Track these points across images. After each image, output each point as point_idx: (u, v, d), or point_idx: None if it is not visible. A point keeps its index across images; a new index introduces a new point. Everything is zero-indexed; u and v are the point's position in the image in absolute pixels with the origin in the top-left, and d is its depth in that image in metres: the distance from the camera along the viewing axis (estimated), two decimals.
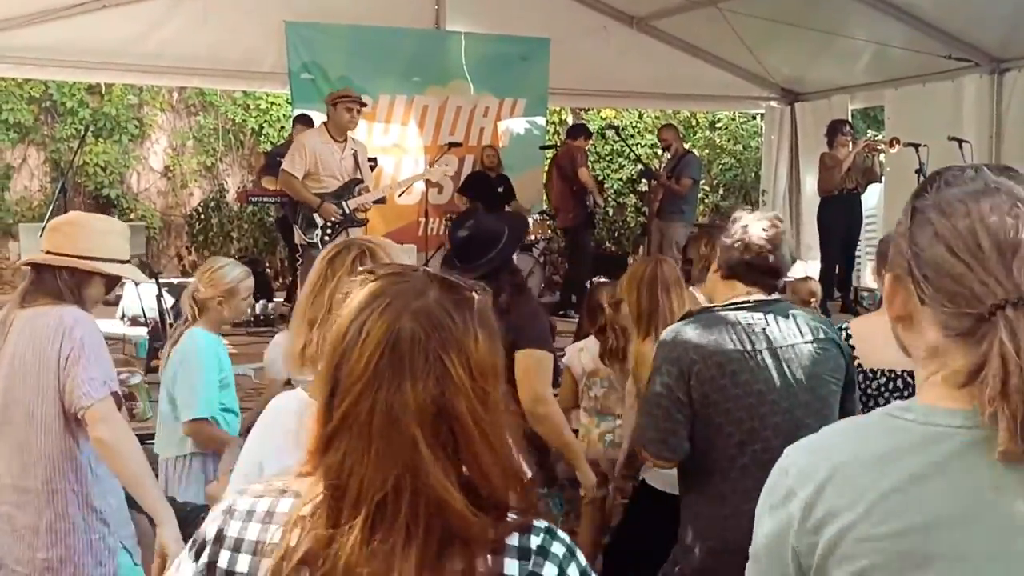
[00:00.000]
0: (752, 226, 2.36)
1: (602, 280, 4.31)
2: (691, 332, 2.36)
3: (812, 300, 4.56)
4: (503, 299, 2.73)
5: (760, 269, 2.36)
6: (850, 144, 7.78)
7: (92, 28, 7.39)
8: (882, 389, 2.71)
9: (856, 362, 2.69)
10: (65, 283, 2.45)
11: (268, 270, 8.32)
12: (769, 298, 2.38)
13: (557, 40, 8.65)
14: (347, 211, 6.08)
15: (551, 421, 2.87)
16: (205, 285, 3.18)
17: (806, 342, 2.33)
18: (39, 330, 2.37)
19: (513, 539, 1.07)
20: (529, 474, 1.11)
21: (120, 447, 2.33)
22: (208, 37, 7.73)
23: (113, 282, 2.63)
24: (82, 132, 8.20)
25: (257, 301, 7.00)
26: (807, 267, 4.40)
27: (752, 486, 2.24)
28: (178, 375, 3.15)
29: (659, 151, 12.90)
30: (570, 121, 12.80)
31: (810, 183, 9.86)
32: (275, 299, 7.33)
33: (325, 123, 6.21)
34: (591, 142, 9.55)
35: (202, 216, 10.93)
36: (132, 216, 10.42)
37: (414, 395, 1.03)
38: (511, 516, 1.08)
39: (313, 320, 1.72)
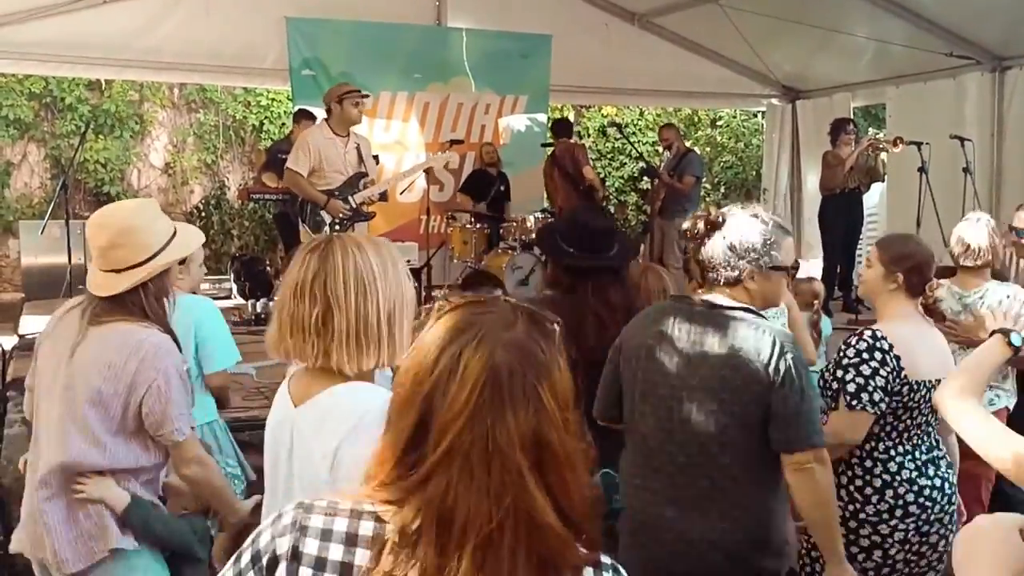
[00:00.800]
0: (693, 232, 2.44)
1: None
2: (638, 318, 2.55)
3: (815, 301, 4.50)
4: (629, 299, 2.95)
5: (690, 271, 2.43)
6: (853, 143, 7.77)
7: (93, 23, 7.38)
8: (923, 400, 2.67)
9: (902, 373, 2.66)
10: (149, 292, 2.41)
11: (269, 267, 8.30)
12: (715, 301, 2.35)
13: (559, 36, 8.66)
14: (354, 206, 6.09)
15: None
16: None
17: (718, 354, 2.28)
18: (111, 347, 2.33)
19: (588, 574, 1.12)
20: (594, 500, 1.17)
21: (212, 480, 2.51)
22: (209, 33, 7.72)
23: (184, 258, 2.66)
24: (83, 129, 8.19)
25: (258, 299, 6.99)
26: (809, 266, 4.36)
27: (631, 461, 2.43)
28: (199, 336, 3.26)
29: (660, 149, 12.98)
30: (571, 119, 12.79)
31: (811, 181, 9.84)
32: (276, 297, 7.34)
33: (327, 119, 6.20)
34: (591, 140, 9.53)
35: (203, 213, 10.92)
36: None
37: (516, 426, 1.07)
38: (580, 549, 1.12)
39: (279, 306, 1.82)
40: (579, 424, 1.15)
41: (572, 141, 8.49)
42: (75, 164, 8.96)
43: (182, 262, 3.25)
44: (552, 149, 8.41)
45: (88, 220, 2.51)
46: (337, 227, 6.02)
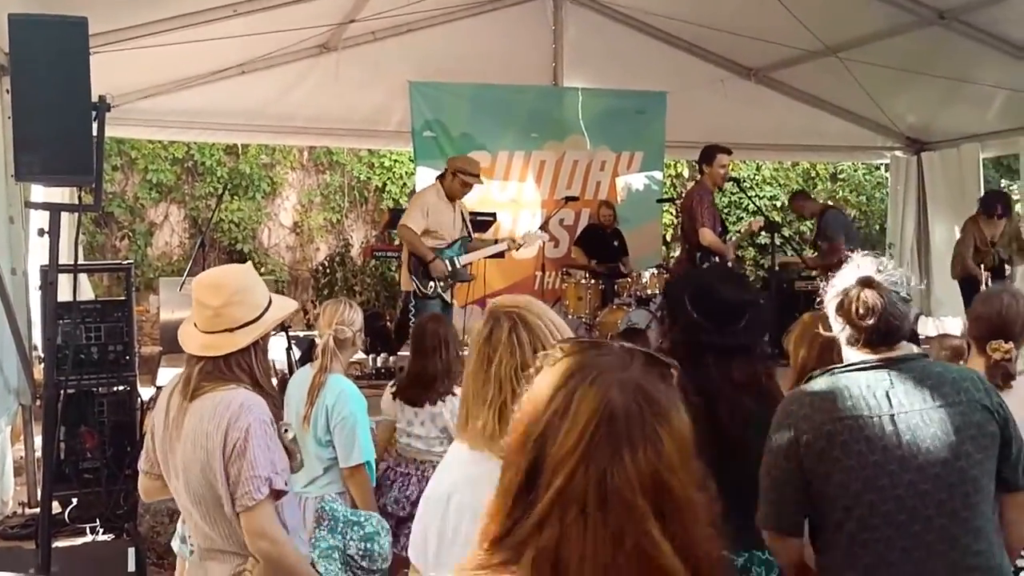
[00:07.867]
0: (850, 296, 2.22)
1: None
2: (805, 398, 2.24)
3: (960, 361, 4.24)
4: (762, 369, 2.69)
5: (870, 338, 2.20)
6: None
7: (232, 92, 7.84)
8: None
9: None
10: (259, 350, 2.40)
11: (389, 323, 8.52)
12: (898, 355, 2.20)
13: (674, 93, 8.68)
14: (456, 267, 6.47)
15: None
16: (348, 326, 3.53)
17: (938, 406, 2.12)
18: (206, 416, 2.30)
19: None
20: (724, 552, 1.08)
21: (284, 560, 2.31)
22: (338, 99, 8.11)
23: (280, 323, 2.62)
24: (220, 191, 8.65)
25: (379, 353, 7.18)
26: (943, 324, 4.07)
27: (870, 563, 2.13)
28: (334, 423, 3.38)
29: (776, 203, 12.75)
30: (686, 174, 12.73)
31: (939, 234, 9.50)
32: (399, 352, 7.50)
33: (441, 181, 6.52)
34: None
35: (327, 270, 11.36)
36: (262, 270, 10.89)
37: (634, 467, 1.00)
38: None
39: (486, 399, 1.81)
40: (701, 474, 1.06)
41: (697, 188, 7.49)
42: (212, 224, 9.49)
43: (357, 335, 3.56)
44: (674, 202, 8.36)
45: (195, 282, 2.45)
46: (442, 284, 6.48)
